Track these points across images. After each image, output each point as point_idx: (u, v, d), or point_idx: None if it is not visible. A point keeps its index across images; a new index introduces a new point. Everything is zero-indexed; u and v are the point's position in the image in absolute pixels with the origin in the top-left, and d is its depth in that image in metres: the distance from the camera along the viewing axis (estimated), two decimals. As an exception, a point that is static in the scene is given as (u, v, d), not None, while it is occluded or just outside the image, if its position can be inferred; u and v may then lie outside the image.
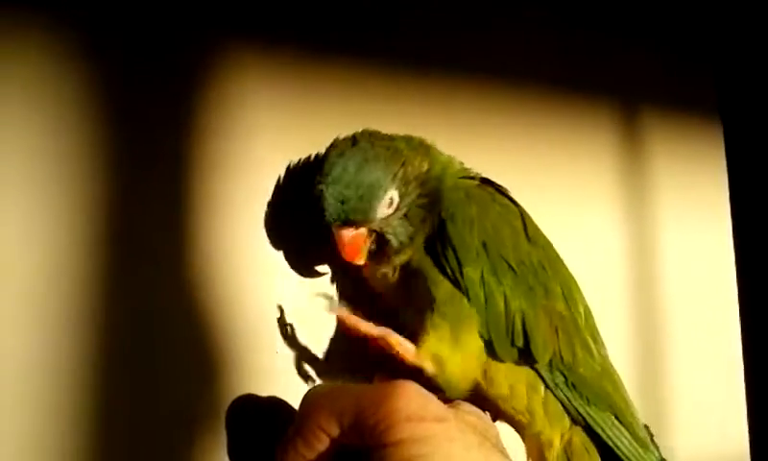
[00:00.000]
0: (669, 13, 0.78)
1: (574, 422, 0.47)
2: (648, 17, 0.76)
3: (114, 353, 0.42)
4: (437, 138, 0.49)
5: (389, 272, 0.46)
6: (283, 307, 0.48)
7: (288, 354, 0.48)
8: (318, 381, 0.49)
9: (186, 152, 0.47)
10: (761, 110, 0.84)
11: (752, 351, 0.79)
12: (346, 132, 0.46)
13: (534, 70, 0.65)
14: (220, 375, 0.45)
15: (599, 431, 0.46)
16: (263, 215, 0.48)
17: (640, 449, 0.47)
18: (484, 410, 0.44)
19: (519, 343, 0.45)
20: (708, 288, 0.77)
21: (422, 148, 0.47)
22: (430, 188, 0.46)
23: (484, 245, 0.45)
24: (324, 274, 0.50)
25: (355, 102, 0.54)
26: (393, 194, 0.44)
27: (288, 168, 0.49)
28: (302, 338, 0.48)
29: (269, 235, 0.48)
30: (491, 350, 0.45)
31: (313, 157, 0.49)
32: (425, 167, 0.46)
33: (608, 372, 0.48)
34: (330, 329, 0.50)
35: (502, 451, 0.38)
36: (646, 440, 0.48)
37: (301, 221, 0.47)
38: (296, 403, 0.41)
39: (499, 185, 0.49)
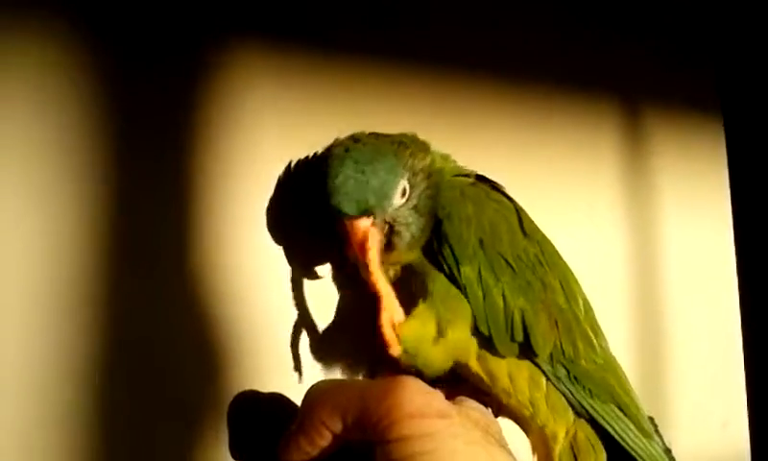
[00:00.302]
0: (671, 11, 0.78)
1: (578, 415, 0.47)
2: (650, 15, 0.76)
3: (117, 350, 0.42)
4: (438, 136, 0.49)
5: (390, 273, 0.46)
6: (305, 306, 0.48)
7: (289, 349, 0.48)
8: (320, 377, 0.49)
9: (189, 150, 0.46)
10: (763, 108, 0.84)
11: (752, 347, 0.79)
12: (348, 129, 0.46)
13: (535, 68, 0.65)
14: (222, 371, 0.45)
15: (603, 424, 0.46)
16: (266, 213, 0.48)
17: (645, 441, 0.47)
18: (486, 406, 0.44)
19: (519, 338, 0.45)
20: (710, 285, 0.77)
21: (423, 144, 0.47)
22: (433, 182, 0.46)
23: (481, 242, 0.45)
24: (322, 277, 0.50)
25: (357, 100, 0.54)
26: (404, 183, 0.44)
27: (291, 166, 0.49)
28: (304, 334, 0.48)
29: (272, 232, 0.48)
30: (491, 346, 0.45)
31: (316, 154, 0.49)
32: (428, 161, 0.46)
33: (610, 364, 0.48)
34: (332, 324, 0.50)
35: (505, 447, 0.38)
36: (651, 431, 0.48)
37: (304, 218, 0.47)
38: (298, 400, 0.41)
39: (493, 182, 0.49)
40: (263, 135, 0.49)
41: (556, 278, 0.47)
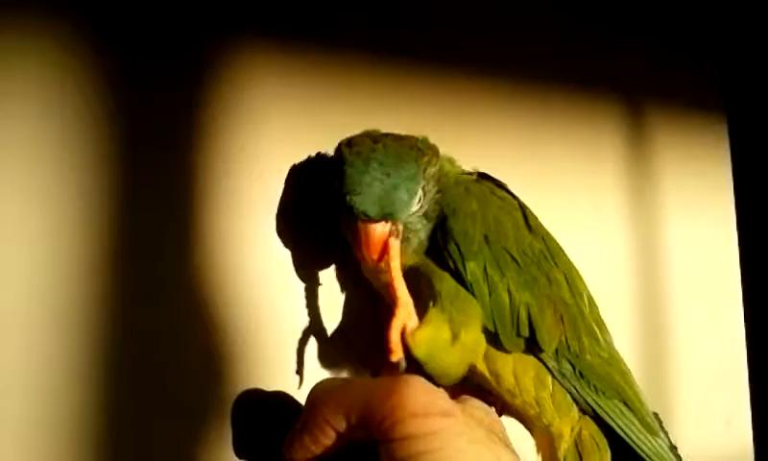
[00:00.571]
0: (674, 10, 0.78)
1: (583, 412, 0.47)
2: (653, 14, 0.76)
3: (120, 350, 0.42)
4: (441, 136, 0.49)
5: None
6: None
7: (294, 348, 0.48)
8: (325, 376, 0.49)
9: (193, 149, 0.46)
10: (766, 107, 0.84)
11: (755, 344, 0.79)
12: (352, 129, 0.46)
13: (538, 68, 0.65)
14: (226, 370, 0.46)
15: (608, 420, 0.46)
16: (269, 212, 0.48)
17: (650, 437, 0.47)
18: (490, 405, 0.44)
19: (525, 333, 0.45)
20: (713, 283, 0.77)
21: (434, 148, 0.47)
22: (441, 186, 0.46)
23: (486, 238, 0.45)
24: (325, 278, 0.50)
25: (362, 99, 0.54)
26: (421, 192, 0.44)
27: (296, 164, 0.49)
28: (309, 334, 0.49)
29: (276, 232, 0.48)
30: (496, 341, 0.45)
31: (322, 153, 0.49)
32: (438, 166, 0.46)
33: (614, 359, 0.48)
34: (336, 322, 0.50)
35: (509, 446, 0.38)
36: (656, 427, 0.48)
37: (309, 218, 0.47)
38: (302, 398, 0.41)
39: (497, 180, 0.49)
40: (267, 135, 0.49)
41: (561, 273, 0.47)
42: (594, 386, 0.46)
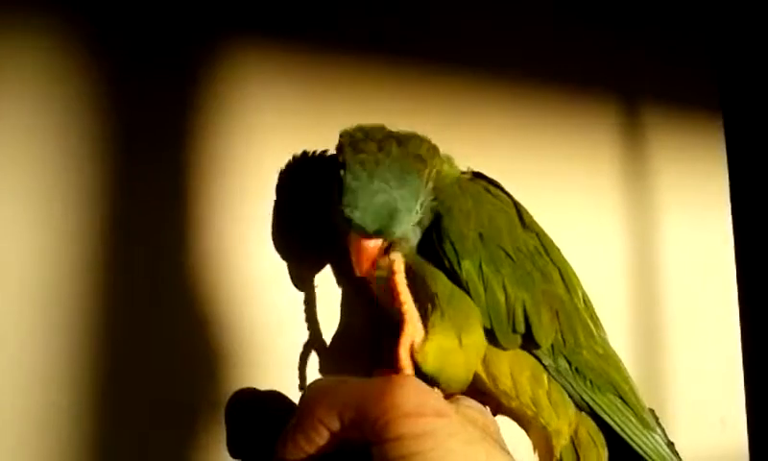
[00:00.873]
0: (671, 9, 0.78)
1: (579, 409, 0.47)
2: (650, 13, 0.76)
3: (114, 351, 0.42)
4: (437, 134, 0.49)
5: (383, 273, 0.46)
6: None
7: (288, 348, 0.48)
8: (318, 376, 0.49)
9: (188, 149, 0.46)
10: (763, 108, 0.84)
11: (751, 344, 0.79)
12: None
13: (534, 66, 0.65)
14: (221, 372, 0.45)
15: (604, 416, 0.46)
16: (265, 211, 0.48)
17: (647, 432, 0.47)
18: (484, 405, 0.44)
19: (521, 329, 0.45)
20: (708, 283, 0.77)
21: (435, 150, 0.47)
22: (436, 192, 0.46)
23: (480, 236, 0.45)
24: (320, 279, 0.50)
25: (359, 98, 0.53)
26: (419, 205, 0.44)
27: (290, 164, 0.49)
28: (303, 333, 0.48)
29: (272, 231, 0.48)
30: (492, 338, 0.45)
31: (319, 152, 0.49)
32: (438, 169, 0.46)
33: (610, 354, 0.48)
34: (330, 323, 0.50)
35: (503, 447, 0.38)
36: (652, 423, 0.48)
37: (305, 217, 0.47)
38: (296, 398, 0.41)
39: (491, 179, 0.49)
40: (264, 135, 0.49)
41: (555, 269, 0.47)
42: (590, 381, 0.46)
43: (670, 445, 0.48)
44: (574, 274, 0.49)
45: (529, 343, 0.45)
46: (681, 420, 0.69)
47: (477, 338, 0.44)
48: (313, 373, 0.49)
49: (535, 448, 0.47)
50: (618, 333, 0.50)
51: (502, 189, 0.49)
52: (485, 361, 0.45)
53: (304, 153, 0.49)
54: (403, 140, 0.45)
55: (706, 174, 0.80)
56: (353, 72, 0.54)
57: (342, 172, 0.43)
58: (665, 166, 0.75)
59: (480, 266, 0.45)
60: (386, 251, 0.45)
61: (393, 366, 0.42)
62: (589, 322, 0.47)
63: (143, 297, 0.44)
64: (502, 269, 0.45)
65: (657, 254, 0.72)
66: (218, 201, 0.47)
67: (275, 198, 0.48)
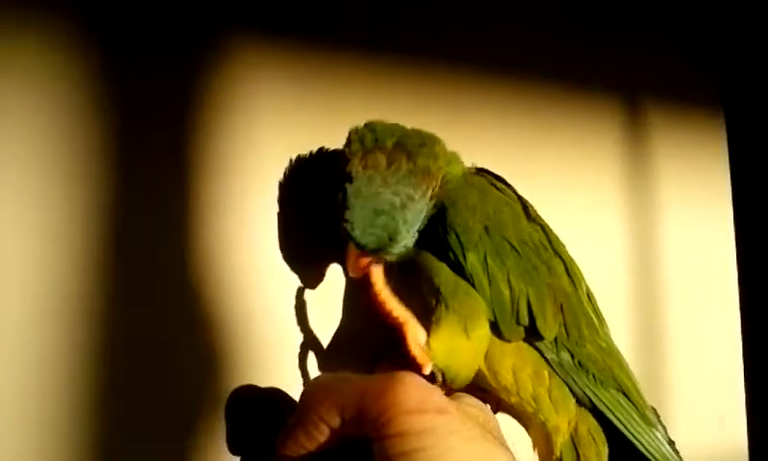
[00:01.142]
0: (673, 7, 0.78)
1: (580, 404, 0.47)
2: (652, 11, 0.76)
3: (116, 350, 0.42)
4: (440, 133, 0.49)
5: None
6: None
7: (288, 345, 0.48)
8: (318, 373, 0.49)
9: (190, 148, 0.46)
10: (764, 104, 0.84)
11: (751, 342, 0.79)
12: (350, 126, 0.46)
13: (537, 65, 0.65)
14: (222, 367, 0.45)
15: (606, 412, 0.46)
16: (267, 210, 0.48)
17: (648, 429, 0.47)
18: (484, 402, 0.44)
19: (525, 322, 0.45)
20: (709, 281, 0.77)
21: (440, 152, 0.46)
22: (440, 195, 0.45)
23: (486, 228, 0.45)
24: (324, 277, 0.50)
25: (362, 96, 0.53)
26: (420, 219, 0.44)
27: (292, 163, 0.49)
28: (309, 333, 0.48)
29: (272, 231, 0.48)
30: (496, 330, 0.45)
31: (321, 151, 0.49)
32: (443, 173, 0.46)
33: (613, 350, 0.48)
34: (330, 321, 0.50)
35: (503, 443, 0.38)
36: (654, 420, 0.48)
37: (307, 215, 0.47)
38: (296, 395, 0.41)
39: (495, 174, 0.49)
40: (265, 133, 0.49)
41: (560, 262, 0.47)
42: (593, 376, 0.46)
43: (671, 443, 0.48)
44: (578, 268, 0.49)
45: (532, 335, 0.45)
46: (680, 418, 0.69)
47: (483, 331, 0.44)
48: (313, 370, 0.49)
49: (534, 446, 0.47)
50: (619, 331, 0.50)
51: (507, 184, 0.49)
52: (487, 356, 0.45)
53: (306, 151, 0.49)
54: (413, 152, 0.44)
55: (707, 172, 0.79)
56: (355, 70, 0.54)
57: (347, 184, 0.42)
58: (667, 164, 0.75)
59: (485, 258, 0.45)
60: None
61: (401, 367, 0.42)
62: (593, 316, 0.48)
63: (144, 295, 0.44)
64: (507, 262, 0.45)
65: (658, 252, 0.72)
66: (219, 200, 0.47)
67: (277, 197, 0.48)
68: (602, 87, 0.70)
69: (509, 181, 0.50)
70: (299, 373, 0.48)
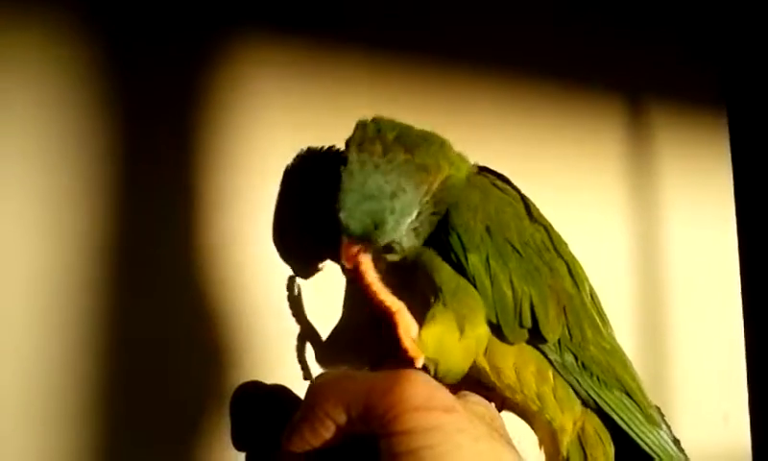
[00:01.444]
0: (676, 8, 0.78)
1: (585, 405, 0.47)
2: (655, 12, 0.76)
3: (121, 348, 0.42)
4: (443, 131, 0.49)
5: (381, 265, 0.46)
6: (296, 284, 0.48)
7: (293, 341, 0.48)
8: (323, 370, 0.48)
9: (195, 144, 0.46)
10: (767, 104, 0.84)
11: (754, 341, 0.79)
12: (350, 122, 0.46)
13: (541, 65, 0.65)
14: (226, 363, 0.45)
15: (611, 413, 0.46)
16: (272, 206, 0.48)
17: (653, 429, 0.47)
18: (489, 400, 0.44)
19: (528, 324, 0.45)
20: (712, 280, 0.77)
21: (442, 152, 0.46)
22: (442, 197, 0.45)
23: (488, 229, 0.45)
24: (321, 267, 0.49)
25: (367, 92, 0.53)
26: (412, 217, 0.44)
27: (295, 159, 0.48)
28: (310, 328, 0.48)
29: (276, 227, 0.48)
30: (498, 332, 0.45)
31: (322, 147, 0.49)
32: (445, 175, 0.45)
33: (617, 350, 0.48)
34: (335, 317, 0.49)
35: (509, 442, 0.38)
36: (658, 419, 0.48)
37: (311, 212, 0.47)
38: (301, 391, 0.41)
39: (498, 172, 0.49)
40: (270, 130, 0.49)
41: (563, 263, 0.47)
42: (597, 377, 0.46)
43: (676, 442, 0.48)
44: (582, 268, 0.49)
45: (536, 337, 0.45)
46: (684, 416, 0.69)
47: (481, 330, 0.44)
48: (315, 369, 0.49)
49: (540, 445, 0.47)
50: (622, 331, 0.50)
51: (510, 183, 0.49)
52: (489, 353, 0.45)
53: (311, 148, 0.49)
54: (413, 147, 0.44)
55: (710, 172, 0.80)
56: (360, 68, 0.54)
57: (342, 168, 0.43)
58: (670, 164, 0.75)
59: (487, 260, 0.45)
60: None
61: (398, 358, 0.42)
62: (597, 317, 0.47)
63: (148, 292, 0.44)
64: (509, 263, 0.45)
65: (661, 251, 0.72)
66: (224, 197, 0.47)
67: (281, 193, 0.48)
68: (605, 87, 0.70)
69: (512, 179, 0.49)
70: (305, 369, 0.48)
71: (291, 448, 0.39)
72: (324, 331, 0.49)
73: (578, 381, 0.46)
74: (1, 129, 0.41)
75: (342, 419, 0.36)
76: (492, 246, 0.45)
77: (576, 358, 0.46)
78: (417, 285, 0.45)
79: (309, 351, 0.49)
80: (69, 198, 0.42)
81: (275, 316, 0.47)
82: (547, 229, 0.48)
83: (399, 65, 0.56)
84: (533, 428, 0.47)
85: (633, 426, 0.47)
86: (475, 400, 0.41)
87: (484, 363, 0.45)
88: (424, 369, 0.42)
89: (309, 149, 0.49)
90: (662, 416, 0.49)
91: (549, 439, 0.46)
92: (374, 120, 0.45)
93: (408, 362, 0.42)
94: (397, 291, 0.45)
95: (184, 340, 0.44)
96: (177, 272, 0.45)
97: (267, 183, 0.48)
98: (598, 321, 0.48)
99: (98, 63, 0.43)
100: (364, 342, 0.49)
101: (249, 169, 0.47)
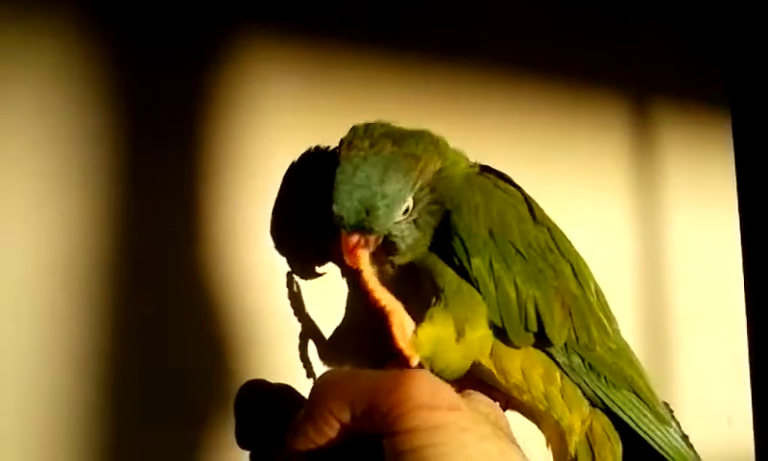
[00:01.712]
0: (680, 5, 0.78)
1: (593, 405, 0.46)
2: (658, 8, 0.75)
3: (126, 347, 0.42)
4: (445, 129, 0.49)
5: (387, 268, 0.46)
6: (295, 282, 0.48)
7: (297, 341, 0.48)
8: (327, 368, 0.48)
9: (199, 144, 0.46)
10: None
11: (758, 342, 0.79)
12: (356, 122, 0.46)
13: (543, 64, 0.65)
14: (230, 362, 0.45)
15: (619, 413, 0.46)
16: (274, 206, 0.48)
17: (662, 427, 0.47)
18: (494, 400, 0.44)
19: (533, 328, 0.45)
20: (716, 279, 0.77)
21: (433, 146, 0.46)
22: (440, 190, 0.45)
23: (491, 233, 0.45)
24: (324, 273, 0.49)
25: (370, 93, 0.53)
26: (408, 202, 0.44)
27: (299, 158, 0.48)
28: (310, 331, 0.48)
29: (282, 228, 0.48)
30: (504, 336, 0.44)
31: (324, 147, 0.49)
32: (438, 167, 0.46)
33: (623, 349, 0.48)
34: (340, 316, 0.49)
35: (513, 441, 0.38)
36: (666, 416, 0.48)
37: (312, 211, 0.47)
38: (306, 390, 0.41)
39: (500, 172, 0.49)
40: (274, 130, 0.49)
41: (567, 264, 0.47)
42: (605, 378, 0.46)
43: (685, 438, 0.48)
44: (586, 266, 0.49)
45: (542, 341, 0.45)
46: (687, 417, 0.69)
47: (482, 332, 0.44)
48: (321, 366, 0.49)
49: (548, 444, 0.47)
50: (626, 330, 0.50)
51: (512, 183, 0.49)
52: (496, 356, 0.45)
53: (314, 148, 0.49)
54: (401, 139, 0.45)
55: (714, 171, 0.79)
56: (363, 69, 0.54)
57: (336, 168, 0.43)
58: (674, 164, 0.74)
59: (490, 263, 0.44)
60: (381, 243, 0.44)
61: (396, 356, 0.42)
62: (602, 316, 0.47)
63: (153, 292, 0.44)
64: (513, 266, 0.45)
65: (665, 251, 0.72)
66: (228, 197, 0.46)
67: (285, 192, 0.48)
68: (608, 87, 0.70)
69: (515, 179, 0.49)
70: (307, 367, 0.48)
71: (295, 447, 0.39)
72: (328, 330, 0.49)
73: (586, 382, 0.46)
74: (4, 125, 0.41)
75: (346, 417, 0.36)
76: (496, 249, 0.45)
77: (583, 360, 0.46)
78: (422, 288, 0.45)
79: (312, 350, 0.49)
80: (73, 199, 0.42)
81: (279, 315, 0.47)
82: (551, 229, 0.48)
83: (403, 66, 0.56)
84: (540, 428, 0.47)
85: (641, 425, 0.47)
86: (480, 398, 0.41)
87: (490, 365, 0.45)
88: (421, 367, 0.42)
89: (317, 148, 0.49)
90: (671, 412, 0.49)
91: (557, 438, 0.46)
92: (366, 123, 0.46)
93: (404, 360, 0.42)
94: (406, 296, 0.45)
95: (189, 339, 0.44)
96: (182, 272, 0.45)
97: (272, 182, 0.48)
98: (604, 320, 0.47)
99: (102, 61, 0.43)
100: (367, 340, 0.48)
101: (254, 167, 0.47)
